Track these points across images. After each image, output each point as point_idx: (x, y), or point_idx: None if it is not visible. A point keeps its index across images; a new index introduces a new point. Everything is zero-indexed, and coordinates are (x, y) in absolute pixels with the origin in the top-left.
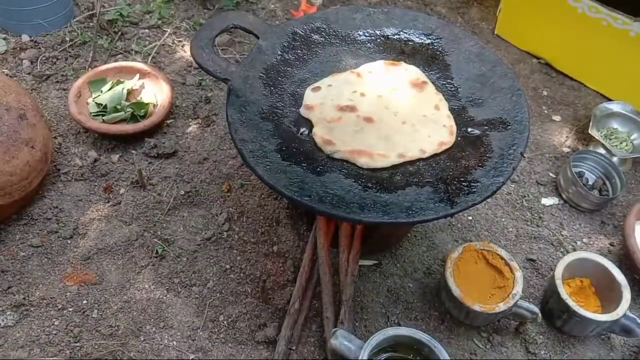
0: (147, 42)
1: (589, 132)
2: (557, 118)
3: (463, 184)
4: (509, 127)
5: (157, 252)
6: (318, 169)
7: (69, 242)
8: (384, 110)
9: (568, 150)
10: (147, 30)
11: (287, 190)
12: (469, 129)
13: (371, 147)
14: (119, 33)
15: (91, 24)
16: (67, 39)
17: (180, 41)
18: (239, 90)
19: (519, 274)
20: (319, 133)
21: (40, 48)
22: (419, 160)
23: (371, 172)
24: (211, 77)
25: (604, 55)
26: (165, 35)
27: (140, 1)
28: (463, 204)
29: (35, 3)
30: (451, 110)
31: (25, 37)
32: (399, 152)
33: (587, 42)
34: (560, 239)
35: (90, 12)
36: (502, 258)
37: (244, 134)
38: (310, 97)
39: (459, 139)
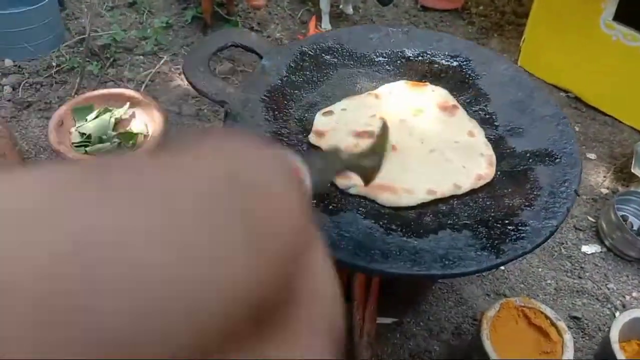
0: (141, 70)
1: (632, 170)
2: (592, 156)
3: (509, 227)
4: (557, 160)
5: None
6: (330, 207)
7: None
8: (407, 136)
9: (607, 191)
10: (141, 57)
11: None
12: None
13: (394, 181)
14: (111, 59)
15: (81, 48)
16: (54, 64)
17: (177, 69)
18: (237, 114)
19: (568, 337)
20: None
21: (23, 73)
22: (452, 197)
23: (395, 212)
24: (210, 107)
25: None
26: (161, 62)
27: (136, 27)
28: (511, 253)
29: (19, 25)
30: (487, 139)
31: (8, 62)
32: (429, 187)
33: (623, 74)
34: (607, 293)
35: (82, 37)
36: (547, 317)
37: None
38: (320, 121)
39: (498, 173)
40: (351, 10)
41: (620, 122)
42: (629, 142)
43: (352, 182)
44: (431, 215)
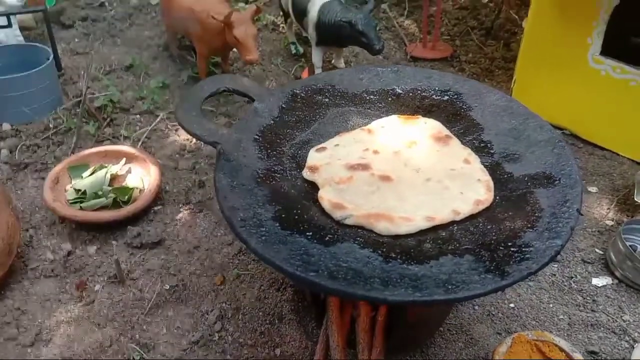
0: (137, 128)
1: (635, 199)
2: (593, 189)
3: (512, 249)
4: (556, 182)
5: None
6: (327, 239)
7: (29, 350)
8: (402, 167)
9: (612, 223)
10: (138, 116)
11: (287, 264)
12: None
13: (391, 210)
14: (108, 119)
15: (78, 110)
16: (51, 125)
17: (173, 125)
18: (229, 153)
19: None
20: (326, 196)
21: (21, 136)
22: (452, 223)
23: (393, 240)
24: (207, 161)
25: (634, 119)
26: (158, 119)
27: (133, 88)
28: (517, 274)
29: (18, 89)
30: (484, 166)
31: (5, 126)
32: (427, 214)
33: (615, 107)
34: (623, 325)
35: (79, 99)
36: (562, 350)
37: (235, 201)
38: (314, 157)
39: (497, 198)
40: (343, 64)
41: (618, 154)
42: (629, 173)
43: (347, 212)
44: (431, 242)
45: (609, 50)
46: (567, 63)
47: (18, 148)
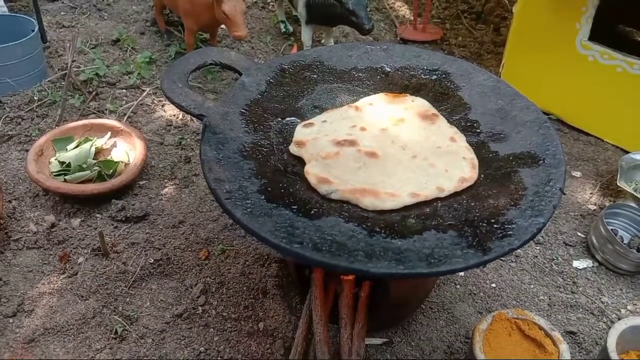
0: (123, 102)
1: (618, 183)
2: (577, 174)
3: (495, 226)
4: (541, 162)
5: (116, 332)
6: (312, 212)
7: (11, 321)
8: (389, 144)
9: (595, 207)
10: (124, 91)
11: (272, 236)
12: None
13: (377, 186)
14: (94, 93)
15: (63, 83)
16: (36, 98)
17: (160, 101)
18: (216, 126)
19: (564, 347)
20: (312, 171)
21: (5, 108)
22: (436, 200)
23: (378, 215)
24: (193, 137)
25: (620, 105)
26: (144, 94)
27: (119, 62)
28: (499, 249)
29: (1, 60)
30: (470, 145)
31: None
32: (412, 190)
33: (601, 93)
34: (601, 306)
35: (64, 72)
36: (541, 328)
37: (220, 173)
38: (301, 133)
39: (481, 176)
40: (332, 44)
41: (603, 140)
42: (613, 159)
43: (332, 187)
44: (415, 218)
45: (597, 36)
46: (555, 48)
47: (1, 120)
